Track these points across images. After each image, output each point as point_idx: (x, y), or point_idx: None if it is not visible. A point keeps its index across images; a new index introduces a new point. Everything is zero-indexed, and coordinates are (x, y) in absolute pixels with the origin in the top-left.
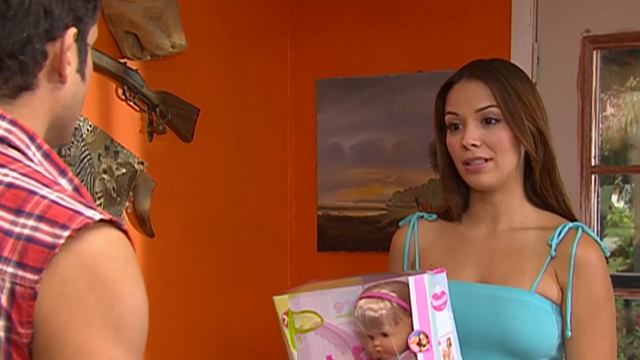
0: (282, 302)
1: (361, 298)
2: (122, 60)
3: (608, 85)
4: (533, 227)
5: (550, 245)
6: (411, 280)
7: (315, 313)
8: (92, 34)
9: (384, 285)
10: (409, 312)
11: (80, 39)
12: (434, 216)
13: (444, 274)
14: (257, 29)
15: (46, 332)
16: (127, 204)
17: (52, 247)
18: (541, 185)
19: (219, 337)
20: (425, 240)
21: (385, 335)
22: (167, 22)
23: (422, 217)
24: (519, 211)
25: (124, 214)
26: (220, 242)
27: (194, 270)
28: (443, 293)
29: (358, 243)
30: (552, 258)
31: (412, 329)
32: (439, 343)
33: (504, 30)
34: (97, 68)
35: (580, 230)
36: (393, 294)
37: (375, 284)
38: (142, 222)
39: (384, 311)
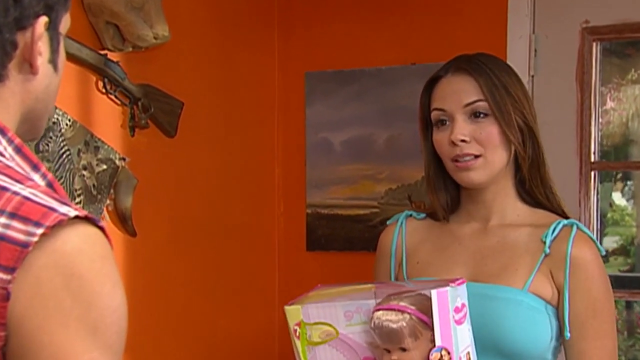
0: (295, 313)
1: (378, 309)
2: (102, 52)
3: (608, 78)
4: (525, 224)
5: (544, 243)
6: (434, 293)
7: (330, 325)
8: (65, 23)
9: (403, 297)
10: (429, 327)
11: (52, 28)
12: (423, 215)
13: (464, 286)
14: (244, 20)
15: (21, 335)
16: (108, 201)
17: (25, 245)
18: (530, 183)
19: (205, 341)
20: (413, 239)
21: (403, 349)
22: (150, 12)
23: (410, 215)
24: (511, 209)
25: (105, 212)
26: (205, 242)
27: (177, 271)
28: (463, 305)
29: (349, 242)
30: (546, 256)
31: (433, 344)
32: (460, 359)
33: (499, 21)
34: (76, 60)
35: (574, 228)
36: (412, 307)
37: (392, 295)
38: (123, 220)
39: (403, 324)
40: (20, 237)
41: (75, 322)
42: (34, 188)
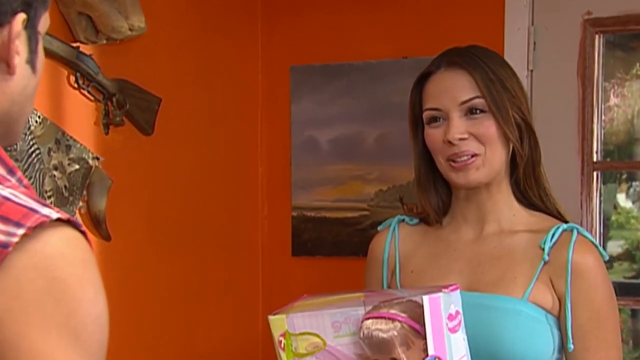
0: (279, 323)
1: (367, 318)
2: (74, 45)
3: (611, 73)
4: (523, 229)
5: (543, 249)
6: (426, 299)
7: (317, 335)
8: (44, 22)
9: (394, 304)
10: (421, 335)
11: (30, 26)
12: (416, 220)
13: (458, 292)
14: (225, 10)
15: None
16: (81, 203)
17: (5, 245)
18: (525, 183)
19: (184, 351)
20: (406, 245)
21: None
22: (125, 2)
23: (403, 220)
24: (507, 211)
25: (77, 214)
26: (184, 247)
27: (155, 278)
28: (458, 313)
29: (336, 247)
30: (545, 263)
31: (426, 354)
32: None
33: (496, 12)
34: (47, 53)
35: (575, 233)
36: (403, 315)
37: (382, 303)
38: (97, 223)
39: (394, 332)
40: (0, 237)
41: (57, 328)
42: (13, 188)
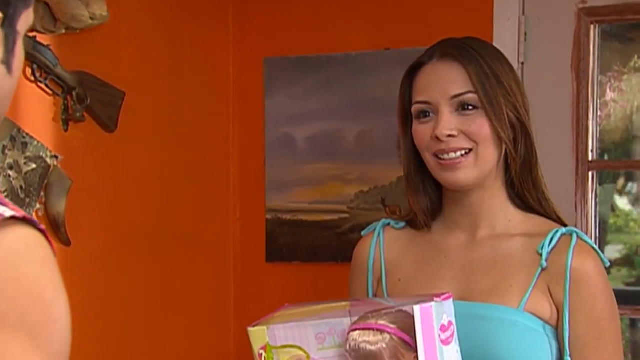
0: (259, 335)
1: (354, 329)
2: (31, 35)
3: (608, 66)
4: (519, 233)
5: (541, 255)
6: (417, 309)
7: (300, 348)
8: (25, 20)
9: (382, 314)
10: (412, 348)
11: (8, 25)
12: (403, 223)
13: (450, 301)
14: None
15: None
16: (38, 205)
17: None
18: (521, 186)
19: None
20: (392, 251)
21: None
22: None
23: (388, 224)
24: (501, 215)
25: (34, 217)
26: (149, 252)
27: (118, 286)
28: (450, 324)
29: (314, 252)
30: (543, 270)
31: None
32: None
33: (485, 0)
34: None
35: (574, 237)
36: (393, 326)
37: (370, 313)
38: (56, 227)
39: (383, 345)
40: None
41: (10, 327)
42: None
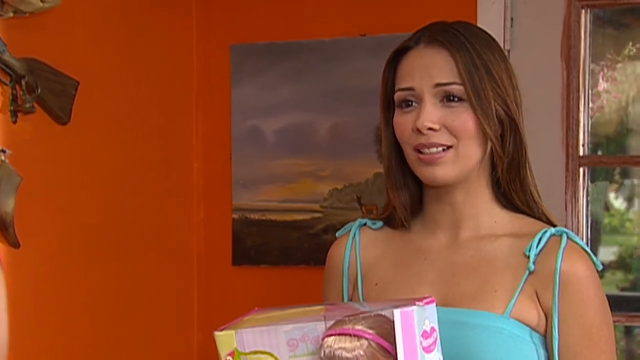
0: (227, 340)
1: (329, 335)
2: None
3: (601, 54)
4: (505, 234)
5: (528, 257)
6: (397, 314)
7: (270, 354)
8: None
9: (360, 319)
10: (392, 355)
11: None
12: (380, 223)
13: (434, 306)
14: None
15: None
16: None
17: None
18: (508, 187)
19: None
20: (369, 253)
21: None
22: None
23: (364, 224)
24: (486, 215)
25: None
26: (106, 255)
27: (72, 291)
28: (433, 330)
29: (284, 255)
30: (530, 273)
31: None
32: None
33: None
34: None
35: (565, 238)
36: (371, 331)
37: (346, 317)
38: (3, 228)
39: (360, 352)
40: None
41: None
42: None
